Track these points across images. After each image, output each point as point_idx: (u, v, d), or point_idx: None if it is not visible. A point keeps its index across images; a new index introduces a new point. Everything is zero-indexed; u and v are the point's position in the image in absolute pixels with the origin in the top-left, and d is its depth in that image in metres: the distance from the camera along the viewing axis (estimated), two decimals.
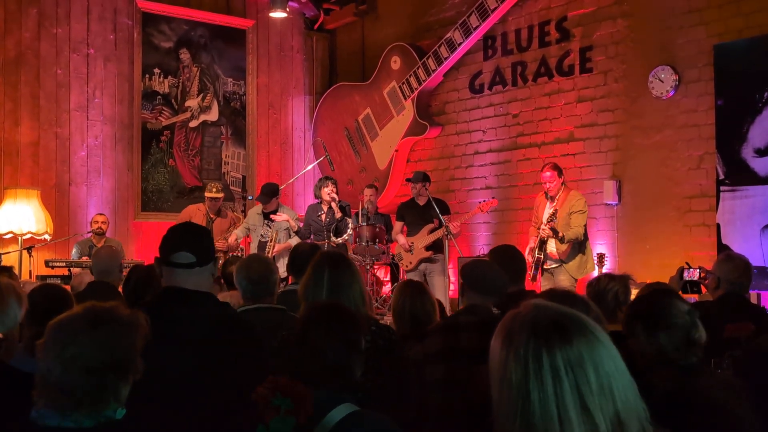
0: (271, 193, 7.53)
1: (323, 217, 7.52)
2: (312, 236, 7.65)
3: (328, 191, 7.52)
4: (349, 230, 7.42)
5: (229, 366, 2.27)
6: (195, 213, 7.84)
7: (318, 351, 2.10)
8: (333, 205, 7.47)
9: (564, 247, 6.42)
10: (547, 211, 6.57)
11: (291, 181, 9.27)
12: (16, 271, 7.48)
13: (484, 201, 7.63)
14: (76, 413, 1.71)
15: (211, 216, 7.85)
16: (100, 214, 8.06)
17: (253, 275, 3.36)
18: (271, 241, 7.36)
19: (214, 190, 7.84)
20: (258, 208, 7.67)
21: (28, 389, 1.76)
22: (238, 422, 1.97)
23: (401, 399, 2.80)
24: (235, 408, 2.06)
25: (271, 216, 7.51)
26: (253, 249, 7.56)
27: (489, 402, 1.38)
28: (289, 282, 4.74)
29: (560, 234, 6.31)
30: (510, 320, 1.37)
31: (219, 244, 7.37)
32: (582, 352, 1.30)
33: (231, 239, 7.59)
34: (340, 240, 7.40)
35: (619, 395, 1.30)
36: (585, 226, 6.55)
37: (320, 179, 7.86)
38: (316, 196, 7.81)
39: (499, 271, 3.46)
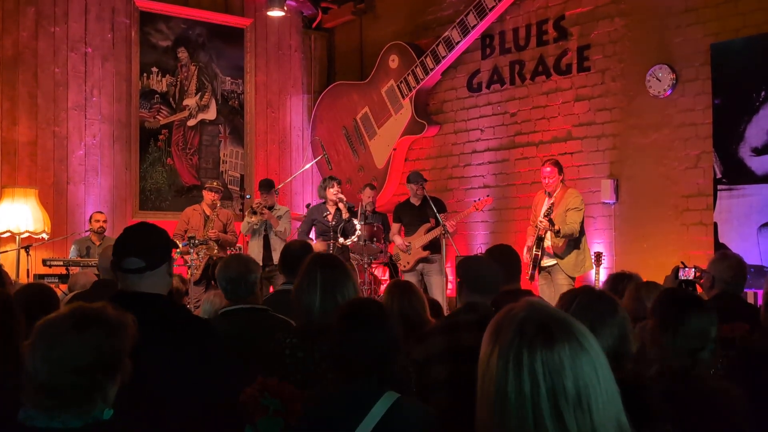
0: (268, 185, 7.90)
1: (330, 217, 7.50)
2: (319, 237, 7.64)
3: (334, 192, 7.48)
4: (357, 231, 7.38)
5: (183, 366, 2.25)
6: (192, 214, 7.88)
7: (368, 343, 2.17)
8: (341, 205, 7.44)
9: (560, 241, 6.41)
10: (545, 207, 6.56)
11: (289, 179, 9.26)
12: (13, 271, 7.48)
13: (479, 199, 7.62)
14: (63, 414, 1.70)
15: (208, 213, 7.86)
16: (100, 213, 7.97)
17: (231, 274, 3.35)
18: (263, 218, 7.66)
19: (215, 183, 8.11)
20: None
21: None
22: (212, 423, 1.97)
23: None
24: (193, 409, 2.06)
25: (264, 210, 7.69)
26: (256, 243, 7.79)
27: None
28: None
29: (556, 227, 6.30)
30: (502, 316, 1.35)
31: (211, 233, 7.70)
32: (562, 359, 1.26)
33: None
34: (348, 242, 7.36)
35: (598, 410, 1.25)
36: (582, 223, 6.55)
37: (324, 179, 7.82)
38: (321, 197, 7.79)
39: (495, 269, 3.48)
